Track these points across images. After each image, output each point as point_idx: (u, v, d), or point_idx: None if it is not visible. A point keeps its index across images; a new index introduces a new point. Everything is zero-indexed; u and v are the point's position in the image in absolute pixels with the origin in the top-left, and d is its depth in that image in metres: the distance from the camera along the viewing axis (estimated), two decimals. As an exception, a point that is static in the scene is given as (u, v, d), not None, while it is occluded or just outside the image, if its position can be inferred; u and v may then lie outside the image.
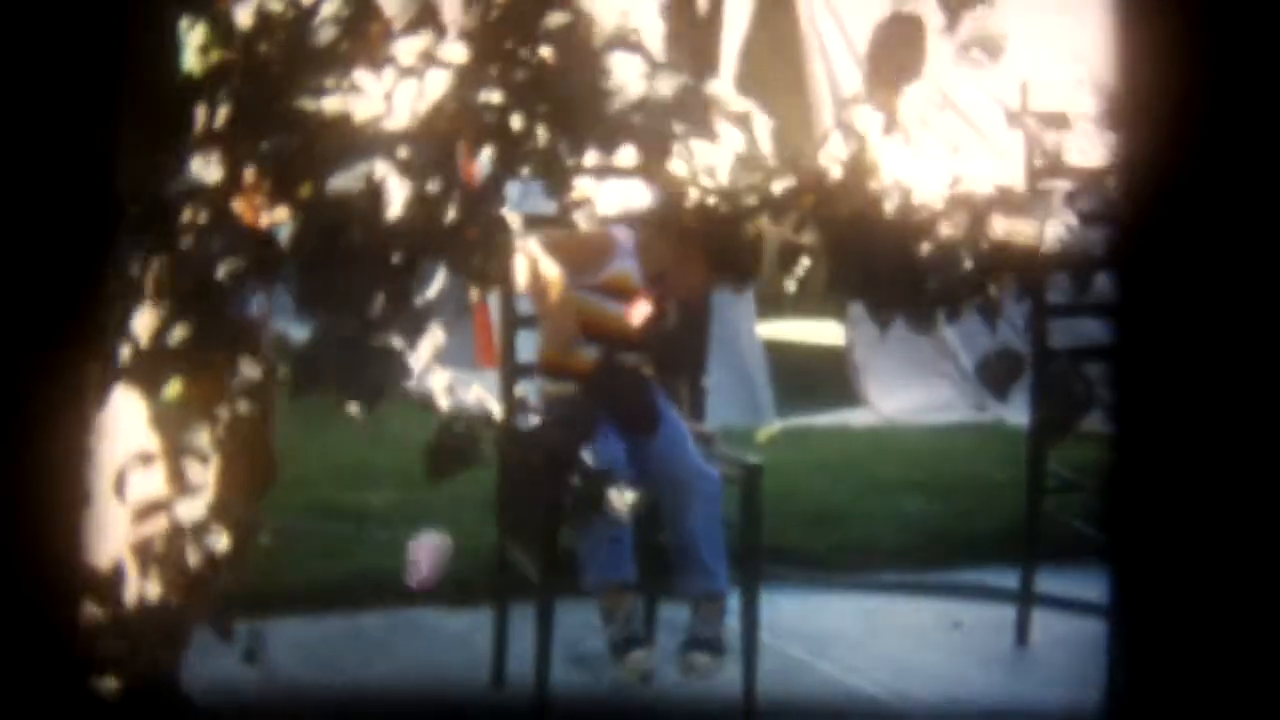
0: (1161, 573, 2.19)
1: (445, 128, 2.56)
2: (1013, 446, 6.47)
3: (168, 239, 2.24)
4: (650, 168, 2.87)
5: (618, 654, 5.26)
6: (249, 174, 2.51)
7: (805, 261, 3.92)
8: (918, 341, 9.26)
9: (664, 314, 5.49)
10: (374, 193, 2.52)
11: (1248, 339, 2.13)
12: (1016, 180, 4.30)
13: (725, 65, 8.31)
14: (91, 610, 2.40)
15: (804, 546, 6.78)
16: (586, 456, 3.60)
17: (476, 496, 6.18)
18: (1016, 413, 6.85)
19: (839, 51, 9.02)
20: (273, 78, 2.49)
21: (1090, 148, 4.50)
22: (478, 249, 2.61)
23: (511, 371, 5.49)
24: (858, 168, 3.71)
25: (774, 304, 9.52)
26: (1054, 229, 3.97)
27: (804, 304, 10.14)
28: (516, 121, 2.59)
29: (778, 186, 3.64)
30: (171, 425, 2.60)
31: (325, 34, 2.55)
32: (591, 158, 3.12)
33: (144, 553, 2.63)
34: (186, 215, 2.43)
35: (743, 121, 2.90)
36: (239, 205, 2.84)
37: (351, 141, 2.51)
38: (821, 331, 10.41)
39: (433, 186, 2.57)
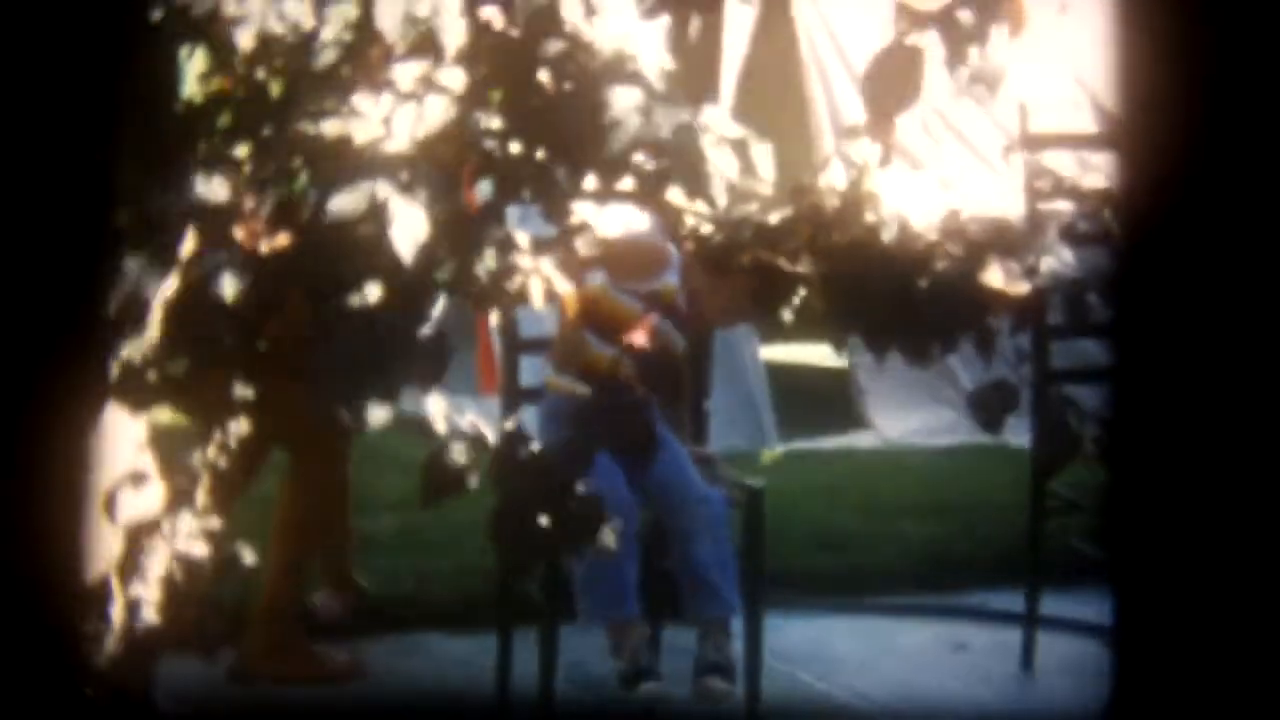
0: (1161, 591, 2.19)
1: (445, 152, 2.57)
2: (1016, 468, 6.47)
3: (166, 260, 2.25)
4: (647, 198, 2.89)
5: (627, 687, 5.25)
6: (250, 199, 2.52)
7: (801, 292, 3.94)
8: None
9: (683, 334, 5.50)
10: (377, 214, 2.53)
11: (1246, 355, 2.13)
12: (1016, 203, 4.32)
13: (725, 90, 8.33)
14: (80, 624, 2.40)
15: (807, 570, 6.78)
16: (583, 482, 3.61)
17: (478, 522, 6.18)
18: (1019, 435, 6.85)
19: (839, 77, 9.03)
20: (273, 101, 2.51)
21: (1088, 168, 4.51)
22: (480, 271, 2.62)
23: (513, 396, 5.49)
24: (854, 198, 3.73)
25: (777, 327, 9.51)
26: (1049, 263, 3.99)
27: (807, 327, 10.15)
28: (515, 147, 2.60)
29: (774, 216, 3.65)
30: (163, 445, 2.62)
31: (325, 58, 2.57)
32: (590, 182, 3.14)
33: (131, 570, 2.64)
34: (187, 237, 2.44)
35: (740, 150, 2.92)
36: (240, 232, 2.86)
37: (353, 164, 2.53)
38: (824, 354, 10.39)
39: (435, 210, 2.58)
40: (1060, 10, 4.42)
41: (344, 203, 2.52)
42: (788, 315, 4.17)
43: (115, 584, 2.66)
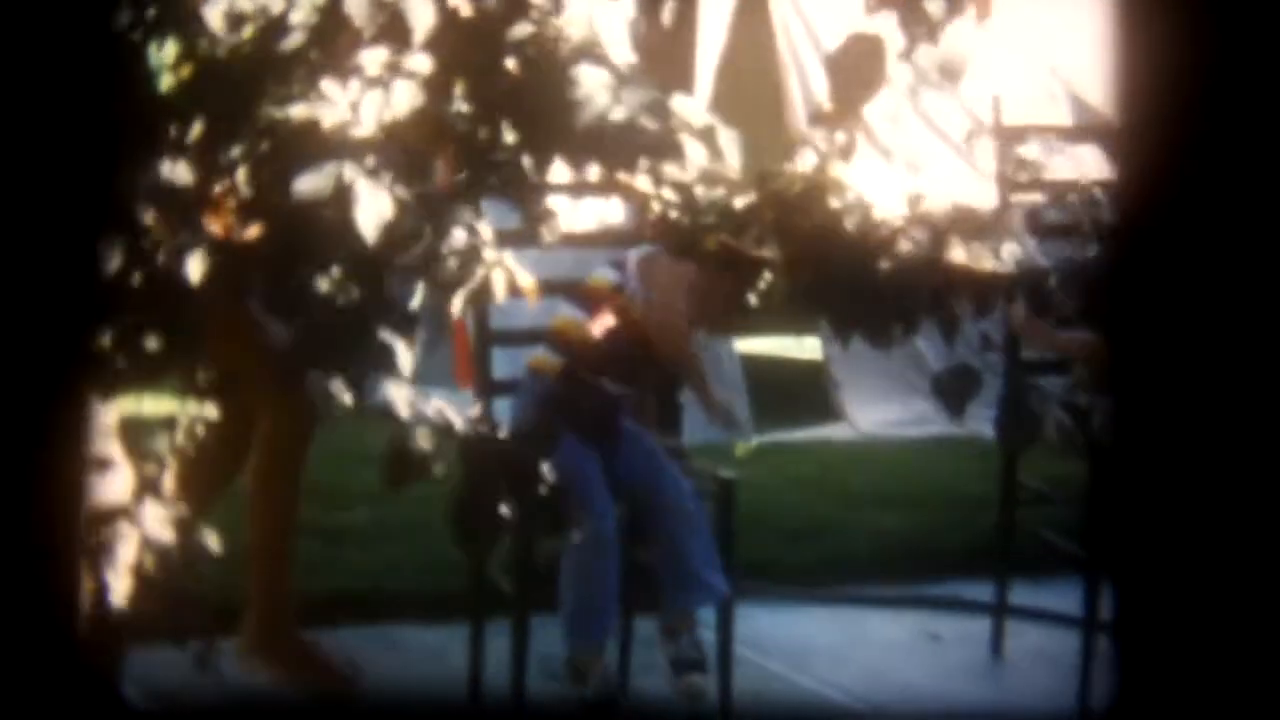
0: (1156, 584, 2.19)
1: (412, 137, 2.58)
2: (988, 460, 6.49)
3: (136, 245, 2.25)
4: (614, 182, 2.89)
5: (599, 713, 5.26)
6: (219, 186, 2.53)
7: (767, 276, 3.95)
8: (894, 356, 9.28)
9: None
10: (343, 195, 2.54)
11: (1242, 348, 2.13)
12: (986, 192, 4.34)
13: (702, 85, 8.33)
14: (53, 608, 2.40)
15: (781, 561, 6.80)
16: (549, 468, 3.61)
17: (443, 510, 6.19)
18: (991, 427, 6.87)
19: (816, 71, 9.04)
20: (240, 85, 2.51)
21: (1055, 153, 4.53)
22: (447, 256, 2.62)
23: (485, 388, 5.49)
24: (819, 183, 3.74)
25: (752, 320, 9.53)
26: (1011, 249, 4.01)
27: (782, 320, 10.16)
28: (483, 132, 2.60)
29: (739, 201, 3.66)
30: (131, 432, 2.62)
31: (293, 42, 2.57)
32: (559, 170, 3.14)
33: (99, 557, 2.64)
34: (156, 222, 2.45)
35: (707, 136, 2.92)
36: (210, 219, 2.86)
37: (320, 147, 2.53)
38: (800, 347, 10.44)
39: (402, 193, 2.58)
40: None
41: (309, 184, 2.53)
42: (753, 298, 4.18)
43: (84, 570, 2.66)
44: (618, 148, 2.67)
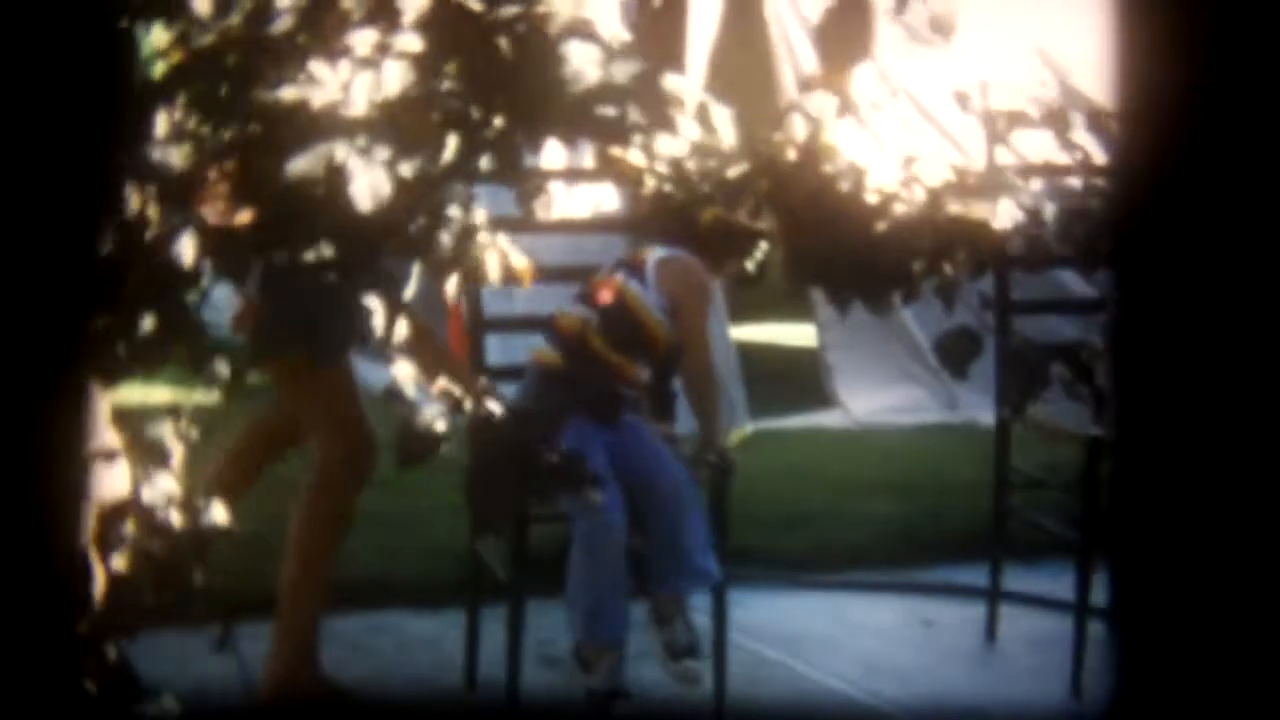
0: (1158, 573, 2.19)
1: (404, 118, 2.58)
2: (983, 447, 6.50)
3: (128, 230, 2.26)
4: (607, 156, 2.89)
5: (599, 706, 5.25)
6: (212, 171, 2.53)
7: (763, 246, 3.94)
8: (889, 343, 9.31)
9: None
10: (335, 176, 2.54)
11: (1246, 338, 2.13)
12: (974, 153, 4.33)
13: (695, 69, 8.33)
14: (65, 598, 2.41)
15: (775, 548, 6.81)
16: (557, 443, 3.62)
17: (445, 502, 6.21)
18: (986, 414, 6.88)
19: (807, 55, 9.05)
20: (230, 68, 2.51)
21: (1048, 143, 4.53)
22: (437, 236, 2.62)
23: (479, 375, 5.49)
24: (812, 151, 3.74)
25: (747, 307, 9.55)
26: (1008, 208, 4.00)
27: (776, 307, 10.18)
28: (475, 112, 2.61)
29: (732, 172, 3.66)
30: (131, 419, 2.63)
31: (282, 24, 2.57)
32: (552, 151, 3.15)
33: (109, 544, 2.65)
34: (147, 207, 2.45)
35: (699, 112, 2.93)
36: (204, 206, 2.86)
37: (311, 128, 2.53)
38: (794, 334, 10.45)
39: (396, 170, 2.58)
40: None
41: (301, 164, 2.53)
42: (750, 267, 4.17)
43: (95, 559, 2.67)
44: (608, 120, 2.67)
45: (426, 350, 3.01)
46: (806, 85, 3.96)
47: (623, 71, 2.69)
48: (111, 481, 2.65)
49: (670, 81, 2.81)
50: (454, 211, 2.61)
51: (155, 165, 2.44)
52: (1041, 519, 6.08)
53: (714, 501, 5.36)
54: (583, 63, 2.68)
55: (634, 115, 2.70)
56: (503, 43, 2.61)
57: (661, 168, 3.14)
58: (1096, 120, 4.41)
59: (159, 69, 2.70)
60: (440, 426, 3.10)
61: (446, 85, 2.60)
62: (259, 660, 5.41)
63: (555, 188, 3.21)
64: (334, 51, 2.58)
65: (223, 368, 2.69)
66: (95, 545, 2.64)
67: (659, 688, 5.39)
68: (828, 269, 3.90)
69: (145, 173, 2.40)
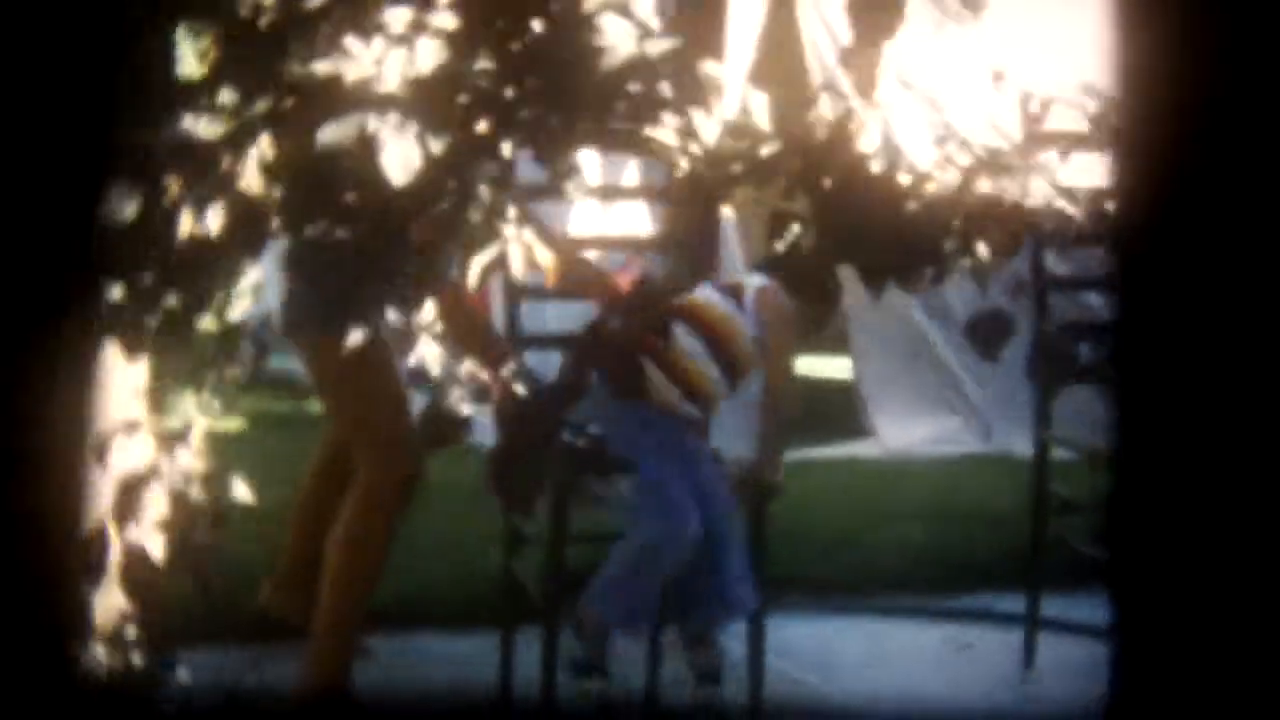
0: (1162, 593, 2.18)
1: (437, 95, 2.57)
2: (1018, 477, 6.49)
3: (155, 198, 2.25)
4: (639, 135, 2.88)
5: (578, 674, 5.27)
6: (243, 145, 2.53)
7: (795, 229, 3.93)
8: (924, 374, 9.29)
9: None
10: (366, 146, 2.54)
11: (1249, 355, 2.11)
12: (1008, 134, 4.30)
13: (737, 57, 8.27)
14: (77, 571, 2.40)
15: (812, 573, 6.79)
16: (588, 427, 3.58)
17: (480, 523, 6.20)
18: (1023, 444, 6.86)
19: (840, 35, 9.00)
20: (265, 42, 2.51)
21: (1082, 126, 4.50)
22: (465, 212, 2.61)
23: (513, 343, 5.24)
24: (844, 130, 3.73)
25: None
26: (1041, 186, 3.99)
27: (812, 340, 10.16)
28: (509, 91, 2.60)
29: (765, 152, 3.64)
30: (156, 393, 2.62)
31: (317, 0, 2.57)
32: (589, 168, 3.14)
33: (127, 515, 2.64)
34: (175, 177, 2.45)
35: (729, 94, 2.91)
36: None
37: (343, 102, 2.53)
38: (829, 367, 10.43)
39: (426, 149, 2.58)
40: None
41: (332, 134, 2.52)
42: (780, 248, 4.15)
43: (112, 530, 2.67)
44: (641, 97, 2.66)
45: (459, 319, 3.01)
46: (842, 60, 3.94)
47: (657, 48, 2.69)
48: (134, 454, 2.65)
49: (705, 64, 2.81)
50: (484, 189, 2.60)
51: (185, 136, 2.43)
52: (1079, 544, 6.05)
53: (752, 523, 5.34)
54: (617, 40, 2.67)
55: (667, 93, 2.69)
56: (537, 23, 2.61)
57: (694, 148, 3.13)
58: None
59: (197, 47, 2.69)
60: (466, 410, 3.09)
61: (480, 64, 2.59)
62: (289, 684, 5.40)
63: (591, 203, 3.21)
64: (368, 27, 2.58)
65: (247, 346, 2.68)
66: (113, 517, 2.63)
67: (691, 709, 5.37)
68: (858, 247, 3.88)
69: (174, 145, 2.40)
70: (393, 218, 2.56)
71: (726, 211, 6.99)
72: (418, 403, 4.62)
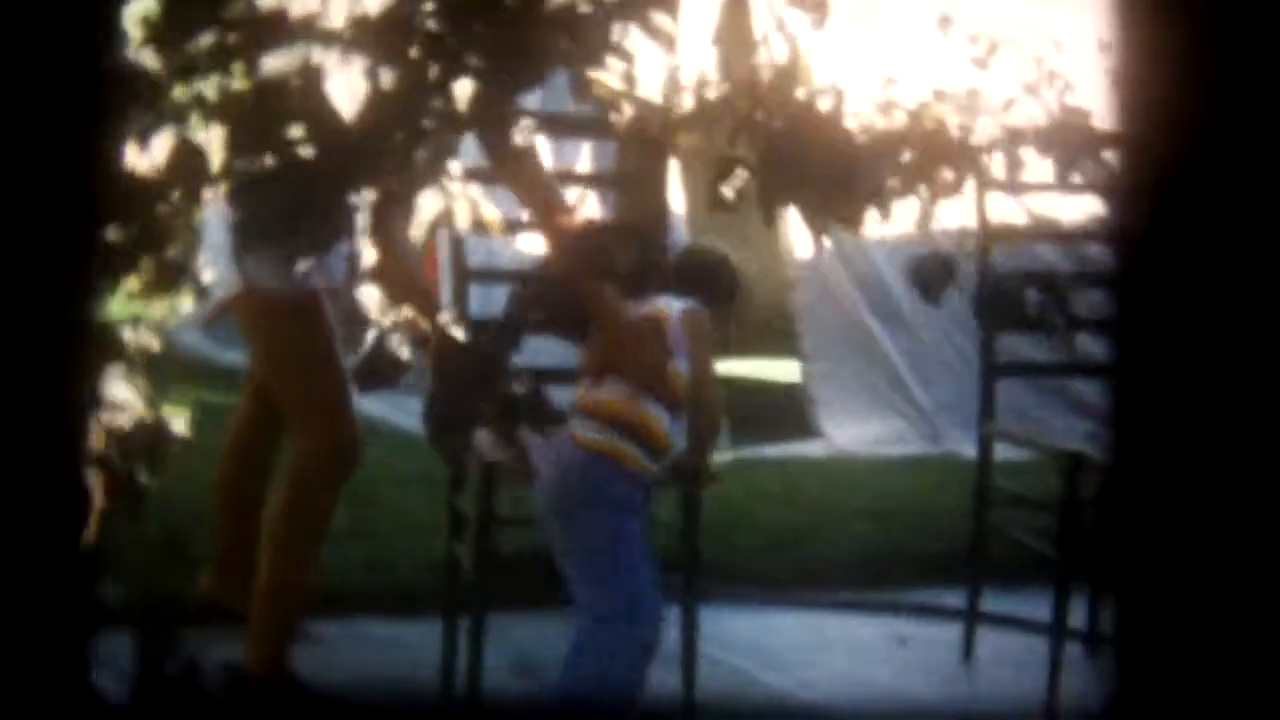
0: (1160, 595, 2.17)
1: (382, 35, 2.58)
2: (964, 478, 6.54)
3: (95, 139, 2.26)
4: (586, 82, 2.90)
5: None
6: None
7: (741, 174, 3.94)
8: (872, 375, 9.34)
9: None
10: (311, 77, 2.55)
11: (1248, 358, 2.11)
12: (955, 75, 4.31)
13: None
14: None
15: (753, 568, 6.83)
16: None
17: (429, 515, 6.22)
18: (968, 446, 6.92)
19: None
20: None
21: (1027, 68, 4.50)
22: (413, 150, 2.62)
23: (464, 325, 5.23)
24: (789, 72, 3.74)
25: (730, 342, 9.56)
26: (986, 126, 4.01)
27: (760, 342, 10.20)
28: (453, 40, 2.61)
29: (710, 94, 3.66)
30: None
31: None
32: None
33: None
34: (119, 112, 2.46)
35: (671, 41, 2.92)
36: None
37: (287, 36, 2.54)
38: (777, 370, 10.47)
39: (373, 84, 2.59)
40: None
41: (276, 64, 2.53)
42: (728, 194, 4.14)
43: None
44: (589, 37, 2.67)
45: (395, 273, 3.01)
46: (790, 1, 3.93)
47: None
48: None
49: (657, 13, 2.81)
50: (429, 122, 2.61)
51: (126, 69, 2.44)
52: (1022, 534, 6.10)
53: (685, 506, 5.33)
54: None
55: (614, 30, 2.70)
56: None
57: (640, 92, 3.14)
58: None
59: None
60: (404, 354, 3.10)
61: (426, 6, 2.61)
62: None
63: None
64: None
65: (193, 281, 2.70)
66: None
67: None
68: (802, 189, 3.89)
69: (117, 77, 2.41)
70: (339, 150, 2.57)
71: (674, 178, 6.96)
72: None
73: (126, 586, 3.07)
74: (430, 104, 2.56)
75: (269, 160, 2.55)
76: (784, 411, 9.39)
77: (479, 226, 2.84)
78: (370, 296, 2.99)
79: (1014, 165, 4.20)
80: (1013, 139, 4.10)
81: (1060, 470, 5.81)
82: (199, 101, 2.55)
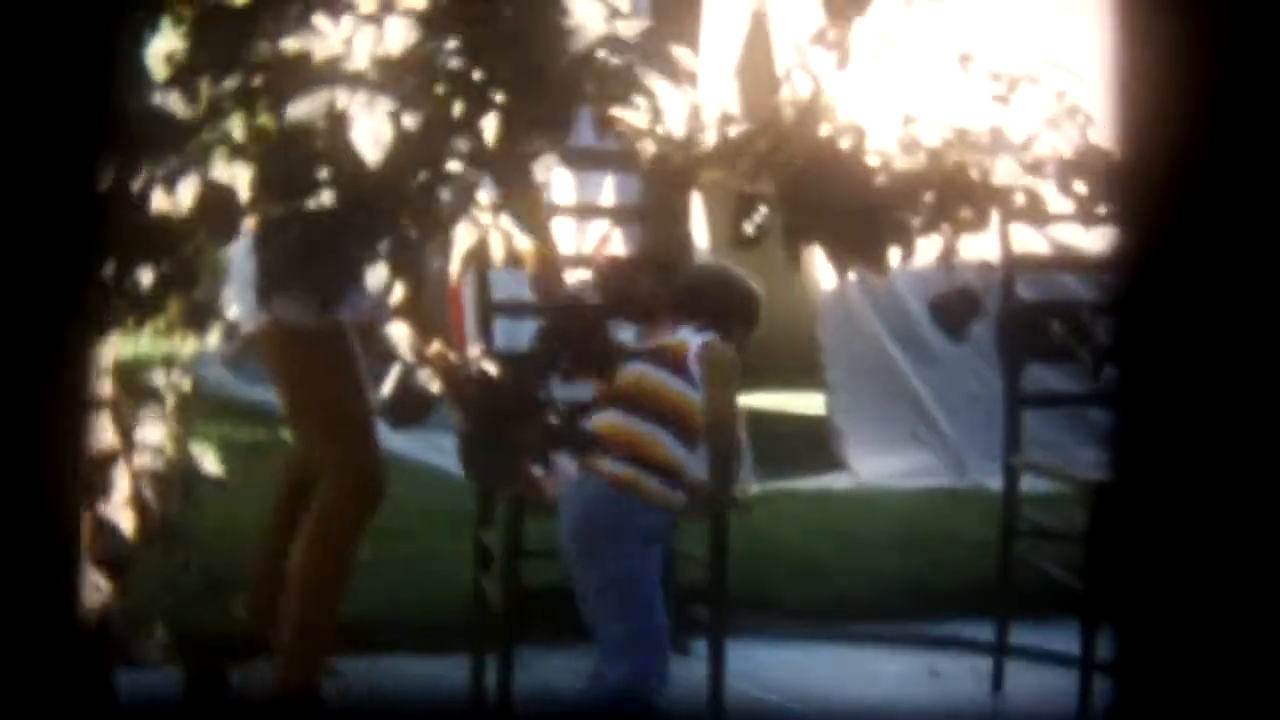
0: (1162, 620, 2.17)
1: (406, 74, 2.60)
2: (991, 510, 6.52)
3: (123, 179, 2.27)
4: (608, 114, 2.90)
5: None
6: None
7: (763, 210, 3.93)
8: (897, 407, 9.31)
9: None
10: (336, 122, 2.56)
11: (1252, 369, 2.10)
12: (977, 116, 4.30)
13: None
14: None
15: (781, 600, 6.81)
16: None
17: (452, 547, 6.22)
18: (995, 479, 6.89)
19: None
20: (235, 19, 2.54)
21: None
22: (437, 191, 2.63)
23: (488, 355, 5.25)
24: (811, 110, 3.74)
25: (756, 375, 9.55)
26: (1008, 165, 4.00)
27: (785, 375, 10.18)
28: (477, 74, 2.62)
29: (732, 132, 3.66)
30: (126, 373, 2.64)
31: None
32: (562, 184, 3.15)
33: (98, 486, 2.66)
34: (147, 155, 2.48)
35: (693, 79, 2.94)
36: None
37: (312, 79, 2.55)
38: (803, 403, 10.44)
39: (397, 126, 2.60)
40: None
41: (302, 109, 2.55)
42: (749, 230, 4.14)
43: (86, 510, 2.68)
44: (610, 76, 2.68)
45: (424, 309, 3.03)
46: (809, 40, 3.94)
47: (627, 28, 2.71)
48: (103, 431, 2.67)
49: (677, 49, 2.82)
50: (455, 164, 2.62)
51: (155, 113, 2.46)
52: (1049, 566, 6.07)
53: (713, 539, 5.33)
54: (586, 18, 2.70)
55: (637, 73, 2.71)
56: (506, 3, 2.63)
57: (661, 128, 3.14)
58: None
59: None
60: (433, 389, 3.11)
61: (450, 45, 2.62)
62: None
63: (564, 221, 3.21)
64: (337, 5, 2.61)
65: (217, 322, 2.71)
66: (86, 495, 2.65)
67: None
68: (825, 229, 3.89)
69: (144, 121, 2.42)
70: (365, 193, 2.58)
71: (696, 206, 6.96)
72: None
73: (165, 623, 3.08)
74: (455, 142, 2.57)
75: (295, 203, 2.56)
76: (809, 444, 9.36)
77: (513, 259, 2.85)
78: (399, 332, 3.00)
79: (1035, 200, 4.19)
80: (1034, 172, 4.10)
81: (1086, 501, 5.80)
82: (225, 139, 2.56)
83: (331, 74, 2.53)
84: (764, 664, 6.20)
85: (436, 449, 7.69)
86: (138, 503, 2.68)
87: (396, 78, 2.57)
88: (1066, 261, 6.87)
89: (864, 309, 9.30)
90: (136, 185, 2.41)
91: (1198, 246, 2.14)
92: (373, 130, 2.52)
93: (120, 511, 2.69)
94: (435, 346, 3.17)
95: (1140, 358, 2.19)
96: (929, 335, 9.13)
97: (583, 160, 5.76)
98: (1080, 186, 4.18)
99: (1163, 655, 2.17)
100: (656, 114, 2.90)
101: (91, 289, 2.23)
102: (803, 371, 9.66)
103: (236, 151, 2.56)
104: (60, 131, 2.11)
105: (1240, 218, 2.13)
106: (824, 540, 7.74)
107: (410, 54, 2.58)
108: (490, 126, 2.63)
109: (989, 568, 6.27)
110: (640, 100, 2.73)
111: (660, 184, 4.41)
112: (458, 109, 2.60)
